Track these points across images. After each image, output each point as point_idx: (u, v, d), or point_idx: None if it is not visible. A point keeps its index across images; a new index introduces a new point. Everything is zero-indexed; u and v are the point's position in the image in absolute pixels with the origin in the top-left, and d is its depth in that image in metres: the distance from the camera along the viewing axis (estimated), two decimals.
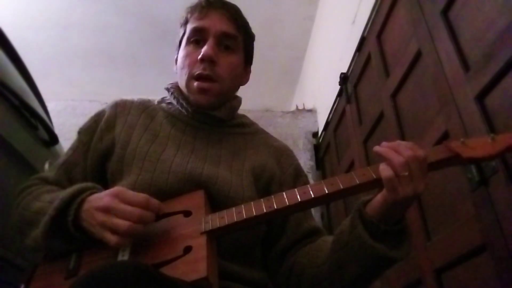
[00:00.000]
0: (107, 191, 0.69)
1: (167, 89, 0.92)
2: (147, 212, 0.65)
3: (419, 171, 0.63)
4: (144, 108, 0.91)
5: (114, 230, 0.64)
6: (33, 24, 3.05)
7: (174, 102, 0.90)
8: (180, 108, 0.89)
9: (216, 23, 0.87)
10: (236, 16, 0.90)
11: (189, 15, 0.90)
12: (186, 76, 0.86)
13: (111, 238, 0.64)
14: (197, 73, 0.84)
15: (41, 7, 2.95)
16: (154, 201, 0.67)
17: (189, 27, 0.89)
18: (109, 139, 0.85)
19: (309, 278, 0.75)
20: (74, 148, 0.87)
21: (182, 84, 0.88)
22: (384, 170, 0.63)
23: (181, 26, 0.93)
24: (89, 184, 0.74)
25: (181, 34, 0.92)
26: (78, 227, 0.69)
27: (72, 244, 0.71)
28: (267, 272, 0.85)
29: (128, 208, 0.65)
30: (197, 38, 0.87)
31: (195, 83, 0.84)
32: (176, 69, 0.92)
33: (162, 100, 0.95)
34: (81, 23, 3.10)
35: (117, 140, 0.84)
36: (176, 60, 0.94)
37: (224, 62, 0.86)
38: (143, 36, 3.23)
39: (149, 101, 0.95)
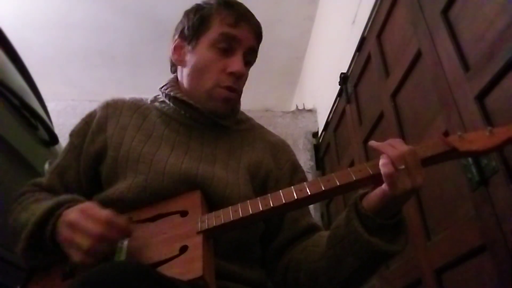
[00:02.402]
0: (77, 206, 0.67)
1: (164, 93, 0.90)
2: (109, 231, 0.63)
3: (414, 164, 0.63)
4: (137, 107, 0.90)
5: (77, 248, 0.62)
6: (33, 24, 3.05)
7: (170, 102, 0.89)
8: (178, 109, 0.87)
9: (248, 37, 0.86)
10: (261, 32, 0.90)
11: (216, 14, 0.85)
12: (211, 83, 0.84)
13: (75, 255, 0.63)
14: (226, 85, 0.84)
15: (41, 7, 2.95)
16: (119, 221, 0.65)
17: (218, 29, 0.84)
18: (101, 141, 0.84)
19: (306, 273, 0.75)
20: (66, 151, 0.87)
21: (200, 88, 0.85)
22: (384, 166, 0.63)
23: (198, 18, 0.86)
24: (68, 197, 0.73)
25: (196, 26, 0.86)
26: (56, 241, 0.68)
27: (53, 256, 0.70)
28: (266, 271, 0.85)
29: (90, 225, 0.62)
30: (226, 46, 0.84)
31: (223, 92, 0.84)
32: (180, 61, 0.89)
33: (155, 98, 0.94)
34: (81, 23, 3.10)
35: (109, 142, 0.83)
36: (179, 48, 0.89)
37: (244, 76, 0.88)
38: (143, 36, 3.22)
39: (141, 100, 0.93)
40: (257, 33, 0.88)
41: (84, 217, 0.64)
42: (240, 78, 0.85)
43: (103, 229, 0.62)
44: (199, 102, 0.85)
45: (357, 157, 2.04)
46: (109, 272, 0.50)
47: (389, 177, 0.62)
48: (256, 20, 0.89)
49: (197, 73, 0.85)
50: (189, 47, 0.87)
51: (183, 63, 0.89)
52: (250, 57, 0.88)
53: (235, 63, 0.83)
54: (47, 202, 0.71)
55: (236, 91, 0.86)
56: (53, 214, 0.68)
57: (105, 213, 0.64)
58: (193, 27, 0.87)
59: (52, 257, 0.71)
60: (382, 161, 0.64)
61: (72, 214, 0.65)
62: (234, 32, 0.84)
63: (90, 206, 0.66)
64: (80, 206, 0.67)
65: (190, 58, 0.87)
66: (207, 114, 0.85)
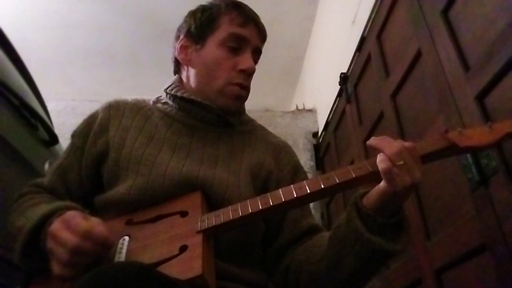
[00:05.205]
0: (61, 216, 0.65)
1: (169, 94, 0.90)
2: (85, 243, 0.60)
3: (412, 160, 0.63)
4: (139, 109, 0.90)
5: (57, 260, 0.62)
6: (33, 24, 3.05)
7: (173, 103, 0.89)
8: (181, 110, 0.88)
9: (255, 37, 0.89)
10: (266, 35, 0.94)
11: (224, 14, 0.87)
12: (223, 80, 0.85)
13: (54, 267, 0.62)
14: (238, 82, 0.86)
15: (41, 7, 2.95)
16: (98, 232, 0.61)
17: (227, 29, 0.86)
18: (103, 142, 0.84)
19: (308, 274, 0.75)
20: (68, 152, 0.87)
21: (211, 86, 0.86)
22: (382, 162, 0.63)
23: (206, 18, 0.88)
24: (62, 203, 0.71)
25: (204, 25, 0.87)
26: None
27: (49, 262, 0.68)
28: (267, 272, 0.85)
29: (68, 237, 0.60)
30: (235, 45, 0.86)
31: (235, 89, 0.85)
32: (188, 60, 0.89)
33: (158, 99, 0.94)
34: (81, 23, 3.10)
35: (111, 144, 0.83)
36: (185, 47, 0.90)
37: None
38: (143, 36, 3.22)
39: (144, 101, 0.93)
40: (262, 35, 0.92)
41: (63, 228, 0.62)
42: (250, 76, 0.88)
43: (79, 241, 0.60)
44: (209, 100, 0.86)
45: (357, 157, 2.04)
46: (111, 273, 0.50)
47: (387, 173, 0.62)
48: (262, 22, 0.92)
49: (207, 71, 0.87)
50: (197, 47, 0.89)
51: (190, 63, 0.90)
52: (255, 56, 0.91)
53: (246, 61, 0.86)
54: (41, 209, 0.70)
55: (246, 89, 0.88)
56: (45, 222, 0.67)
57: (84, 223, 0.61)
58: (201, 26, 0.88)
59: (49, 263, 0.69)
60: (379, 158, 0.64)
61: (54, 224, 0.64)
62: (243, 32, 0.87)
63: (71, 216, 0.64)
64: (63, 215, 0.65)
65: (198, 57, 0.88)
66: (216, 111, 0.86)
